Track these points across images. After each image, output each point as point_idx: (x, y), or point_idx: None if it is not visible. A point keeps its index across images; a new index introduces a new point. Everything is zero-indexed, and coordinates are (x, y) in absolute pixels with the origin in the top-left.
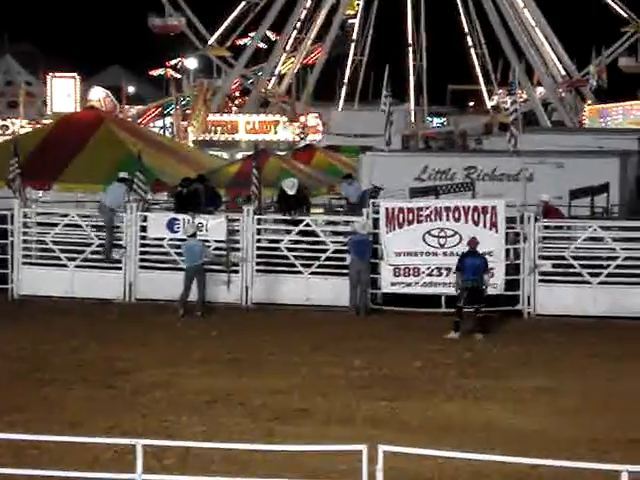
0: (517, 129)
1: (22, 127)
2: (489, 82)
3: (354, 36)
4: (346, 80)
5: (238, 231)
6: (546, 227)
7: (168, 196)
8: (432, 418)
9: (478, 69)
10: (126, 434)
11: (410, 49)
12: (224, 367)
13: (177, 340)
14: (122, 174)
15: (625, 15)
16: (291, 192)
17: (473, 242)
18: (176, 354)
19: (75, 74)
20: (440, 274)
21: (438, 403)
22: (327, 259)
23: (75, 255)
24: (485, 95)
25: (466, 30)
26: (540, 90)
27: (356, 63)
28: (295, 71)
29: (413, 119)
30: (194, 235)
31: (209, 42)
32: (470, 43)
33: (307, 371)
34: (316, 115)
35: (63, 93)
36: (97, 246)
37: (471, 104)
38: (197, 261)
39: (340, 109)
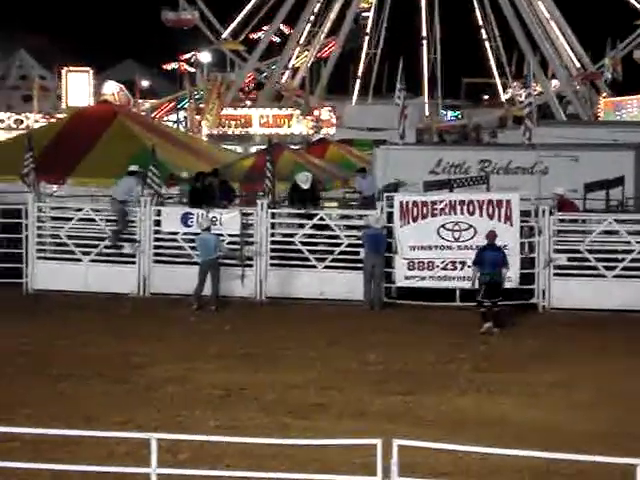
0: (532, 122)
1: (36, 121)
2: (503, 75)
3: (368, 29)
4: (360, 74)
5: (252, 225)
6: (561, 220)
7: (184, 186)
8: (446, 412)
9: (492, 62)
10: (141, 428)
11: (424, 42)
12: (239, 362)
13: (192, 335)
14: (132, 167)
15: None
16: (305, 186)
17: (491, 235)
18: (191, 349)
19: (89, 68)
20: (454, 268)
21: (452, 397)
22: (341, 253)
23: (89, 249)
24: (499, 88)
25: (480, 23)
26: (555, 83)
27: (370, 56)
28: (309, 65)
29: (427, 112)
30: (208, 229)
31: (223, 36)
32: (484, 36)
33: (322, 366)
34: (330, 109)
35: (77, 87)
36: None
37: (485, 97)
38: (211, 255)
39: (354, 103)
